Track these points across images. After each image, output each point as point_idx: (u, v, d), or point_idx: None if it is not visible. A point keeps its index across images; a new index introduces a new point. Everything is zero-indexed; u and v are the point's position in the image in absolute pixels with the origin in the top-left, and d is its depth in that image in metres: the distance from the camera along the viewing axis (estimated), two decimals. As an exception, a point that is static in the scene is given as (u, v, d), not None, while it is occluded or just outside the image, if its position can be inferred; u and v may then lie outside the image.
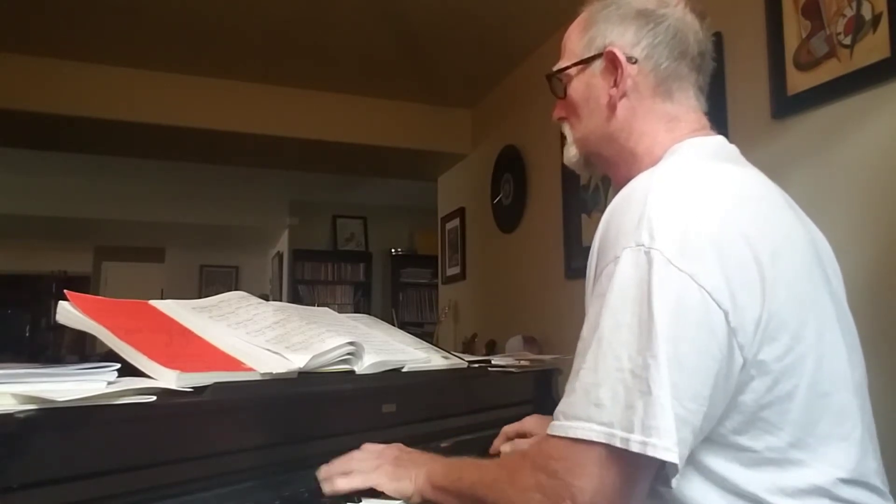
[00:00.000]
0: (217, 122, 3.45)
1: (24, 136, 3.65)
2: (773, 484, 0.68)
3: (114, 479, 0.70)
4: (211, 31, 2.96)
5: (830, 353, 0.74)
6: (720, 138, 0.88)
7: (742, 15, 1.89)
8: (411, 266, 6.62)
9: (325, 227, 6.63)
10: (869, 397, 0.80)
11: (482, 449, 1.18)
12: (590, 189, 2.65)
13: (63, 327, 0.90)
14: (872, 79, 1.51)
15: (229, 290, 1.23)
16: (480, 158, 3.80)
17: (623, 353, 0.65)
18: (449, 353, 1.39)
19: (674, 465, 0.62)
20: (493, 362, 1.44)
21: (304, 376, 0.94)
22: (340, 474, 0.87)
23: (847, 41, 1.57)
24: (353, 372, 1.03)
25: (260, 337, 1.00)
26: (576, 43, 0.93)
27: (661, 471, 0.65)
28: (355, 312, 1.55)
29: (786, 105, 1.73)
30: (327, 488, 0.86)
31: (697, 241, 0.67)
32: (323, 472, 0.88)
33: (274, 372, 0.90)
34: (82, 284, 7.69)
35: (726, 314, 0.65)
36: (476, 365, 1.39)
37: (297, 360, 0.93)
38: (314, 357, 0.94)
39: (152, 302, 1.04)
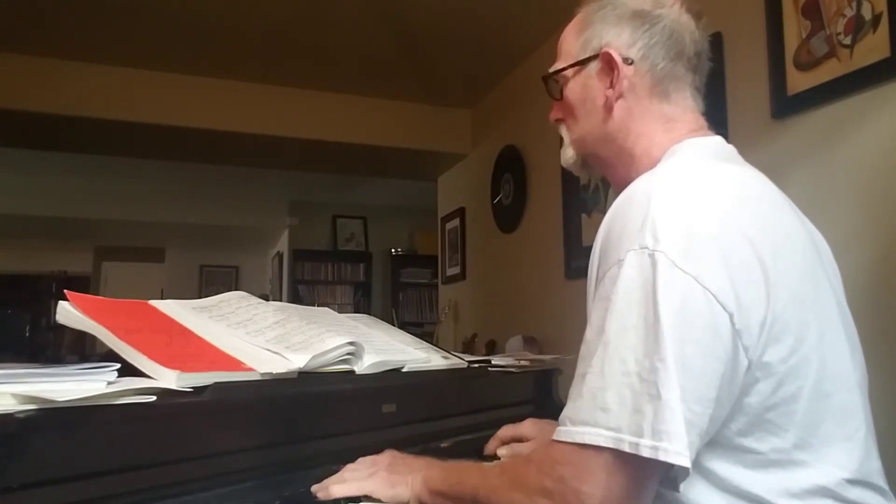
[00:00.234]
0: (217, 122, 3.45)
1: (24, 136, 3.65)
2: (777, 485, 0.68)
3: (114, 479, 0.70)
4: (211, 31, 2.96)
5: (833, 354, 0.74)
6: (718, 139, 0.87)
7: (742, 15, 1.89)
8: (411, 266, 6.62)
9: (325, 227, 6.63)
10: (868, 397, 0.80)
11: (482, 449, 1.17)
12: (590, 189, 2.65)
13: (63, 327, 0.90)
14: (872, 79, 1.51)
15: (229, 290, 1.23)
16: (480, 158, 3.80)
17: (629, 357, 0.64)
18: (449, 353, 1.39)
19: (684, 469, 0.62)
20: (493, 362, 1.44)
21: (304, 376, 0.94)
22: (336, 482, 0.86)
23: (847, 41, 1.57)
24: (353, 372, 1.03)
25: (260, 337, 1.00)
26: (572, 44, 0.92)
27: (666, 474, 0.65)
28: (355, 312, 1.55)
29: (786, 105, 1.73)
30: (321, 496, 0.85)
31: (701, 242, 0.67)
32: (317, 486, 0.88)
33: (274, 372, 0.90)
34: (82, 284, 7.69)
35: (731, 316, 0.65)
36: (476, 365, 1.39)
37: (297, 360, 0.93)
38: (314, 357, 0.94)
39: (152, 302, 1.04)
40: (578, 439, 0.65)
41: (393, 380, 1.10)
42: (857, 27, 1.54)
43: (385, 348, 1.16)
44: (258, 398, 0.88)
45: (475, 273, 3.85)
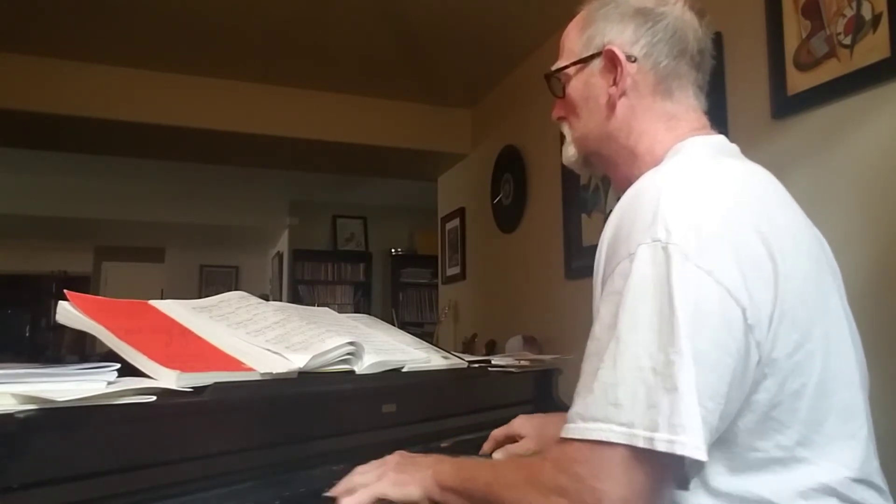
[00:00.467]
0: (217, 122, 3.45)
1: (24, 136, 3.65)
2: (781, 486, 0.68)
3: (114, 479, 0.70)
4: (211, 31, 2.96)
5: (837, 352, 0.74)
6: (721, 137, 0.87)
7: (742, 15, 1.89)
8: (411, 266, 6.62)
9: (325, 227, 6.63)
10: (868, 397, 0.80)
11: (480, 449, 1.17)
12: (590, 189, 2.65)
13: (63, 327, 0.90)
14: (872, 79, 1.51)
15: (229, 290, 1.23)
16: (480, 158, 3.80)
17: (642, 351, 0.64)
18: (449, 353, 1.39)
19: (697, 465, 0.62)
20: (493, 362, 1.44)
21: (304, 376, 0.94)
22: (345, 493, 0.84)
23: (847, 41, 1.57)
24: (353, 372, 1.03)
25: (260, 337, 1.00)
26: (574, 42, 0.92)
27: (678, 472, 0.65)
28: (355, 312, 1.55)
29: (786, 105, 1.73)
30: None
31: (713, 237, 0.67)
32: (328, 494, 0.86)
33: (274, 372, 0.90)
34: (82, 284, 7.70)
35: (744, 311, 0.65)
36: (476, 365, 1.39)
37: (297, 360, 0.93)
38: (314, 357, 0.94)
39: (152, 302, 1.04)
40: (590, 436, 0.64)
41: (393, 380, 1.10)
42: (857, 27, 1.54)
43: (385, 348, 1.16)
44: (258, 398, 0.88)
45: (475, 273, 3.85)
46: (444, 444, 1.17)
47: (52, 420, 0.65)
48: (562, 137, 0.97)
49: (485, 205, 3.64)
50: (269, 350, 0.95)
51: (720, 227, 0.68)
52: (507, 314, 3.35)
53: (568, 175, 2.76)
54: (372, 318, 1.42)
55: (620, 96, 0.87)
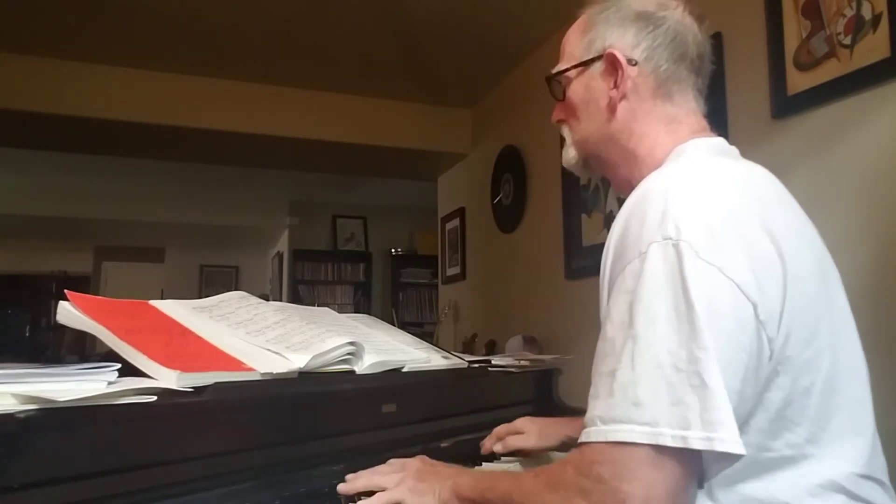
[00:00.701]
0: (217, 122, 3.45)
1: (24, 136, 3.65)
2: (790, 484, 0.68)
3: (114, 479, 0.70)
4: (211, 31, 2.96)
5: (844, 349, 0.75)
6: (721, 139, 0.88)
7: (742, 15, 1.89)
8: (411, 266, 6.62)
9: (325, 227, 6.63)
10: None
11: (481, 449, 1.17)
12: (590, 189, 2.65)
13: (63, 327, 0.90)
14: (872, 79, 1.51)
15: (229, 290, 1.23)
16: (480, 158, 3.80)
17: (662, 349, 0.63)
18: (449, 353, 1.39)
19: (718, 464, 0.61)
20: (493, 362, 1.44)
21: (304, 376, 0.94)
22: (363, 489, 0.86)
23: (847, 41, 1.57)
24: (353, 372, 1.03)
25: (260, 337, 1.00)
26: (575, 45, 0.93)
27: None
28: (355, 312, 1.55)
29: (786, 105, 1.73)
30: None
31: (722, 235, 0.67)
32: (346, 486, 0.88)
33: (274, 372, 0.90)
34: (82, 284, 7.69)
35: (755, 307, 0.65)
36: (476, 365, 1.39)
37: (297, 360, 0.93)
38: (314, 357, 0.94)
39: (152, 302, 1.04)
40: (611, 437, 0.63)
41: (393, 380, 1.10)
42: (857, 27, 1.54)
43: (385, 348, 1.16)
44: (258, 398, 0.88)
45: (475, 273, 3.85)
46: (444, 444, 1.17)
47: (52, 420, 0.65)
48: (562, 140, 0.98)
49: (485, 205, 3.64)
50: (269, 350, 0.95)
51: (730, 224, 0.68)
52: (507, 314, 3.35)
53: (568, 175, 2.76)
54: (372, 318, 1.42)
55: (621, 99, 0.87)
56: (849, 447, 0.72)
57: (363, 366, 1.04)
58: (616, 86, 0.87)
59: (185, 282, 7.45)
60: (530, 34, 2.94)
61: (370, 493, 0.86)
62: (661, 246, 0.66)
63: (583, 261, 2.67)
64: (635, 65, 0.86)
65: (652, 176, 0.76)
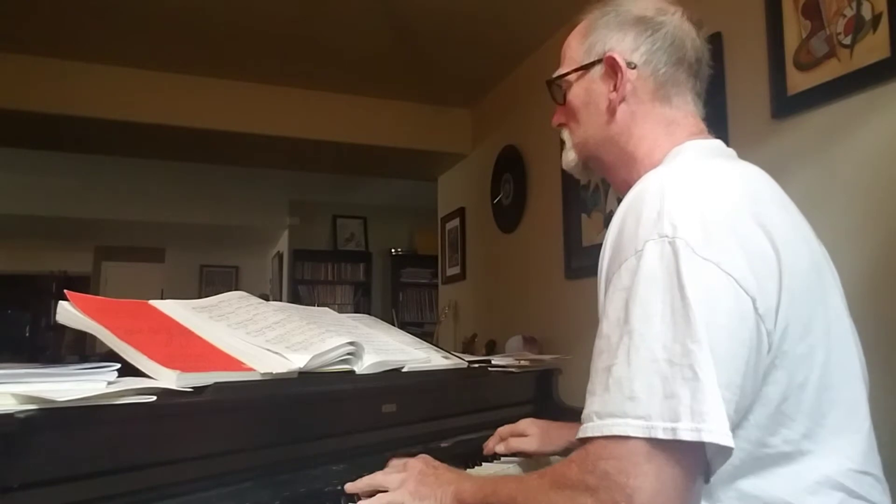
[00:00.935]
0: (217, 122, 3.45)
1: (24, 136, 3.65)
2: (789, 481, 0.69)
3: (114, 478, 0.70)
4: (211, 31, 2.96)
5: (839, 346, 0.76)
6: (719, 141, 0.89)
7: (742, 15, 1.89)
8: (411, 266, 6.62)
9: (325, 227, 6.63)
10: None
11: (482, 449, 1.17)
12: (590, 189, 2.65)
13: (63, 327, 0.90)
14: (872, 79, 1.51)
15: (229, 290, 1.23)
16: (480, 158, 3.80)
17: (657, 344, 0.64)
18: (449, 353, 1.39)
19: (723, 454, 0.62)
20: (493, 362, 1.44)
21: (304, 376, 0.94)
22: (366, 489, 0.87)
23: (847, 41, 1.57)
24: (353, 372, 1.03)
25: (260, 337, 1.00)
26: (576, 50, 0.94)
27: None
28: (355, 312, 1.55)
29: (786, 105, 1.73)
30: None
31: (718, 231, 0.68)
32: (351, 485, 0.88)
33: (274, 372, 0.90)
34: (82, 284, 7.69)
35: (754, 301, 0.66)
36: (476, 365, 1.39)
37: (297, 360, 0.93)
38: (314, 357, 0.94)
39: (152, 302, 1.04)
40: (608, 431, 0.64)
41: (393, 380, 1.10)
42: (857, 27, 1.54)
43: (385, 348, 1.16)
44: (258, 398, 0.88)
45: (475, 273, 3.85)
46: (444, 444, 1.17)
47: (52, 420, 0.65)
48: (562, 143, 0.99)
49: (485, 205, 3.64)
50: (269, 350, 0.95)
51: (725, 220, 0.69)
52: (507, 314, 3.35)
53: (568, 175, 2.73)
54: (372, 318, 1.42)
55: (620, 102, 0.89)
56: (845, 444, 0.72)
57: (363, 366, 1.04)
58: (616, 88, 0.89)
59: (185, 282, 7.46)
60: (530, 34, 2.94)
61: (370, 494, 0.86)
62: (657, 244, 0.67)
63: (583, 261, 2.67)
64: (634, 68, 0.88)
65: (648, 175, 0.77)
